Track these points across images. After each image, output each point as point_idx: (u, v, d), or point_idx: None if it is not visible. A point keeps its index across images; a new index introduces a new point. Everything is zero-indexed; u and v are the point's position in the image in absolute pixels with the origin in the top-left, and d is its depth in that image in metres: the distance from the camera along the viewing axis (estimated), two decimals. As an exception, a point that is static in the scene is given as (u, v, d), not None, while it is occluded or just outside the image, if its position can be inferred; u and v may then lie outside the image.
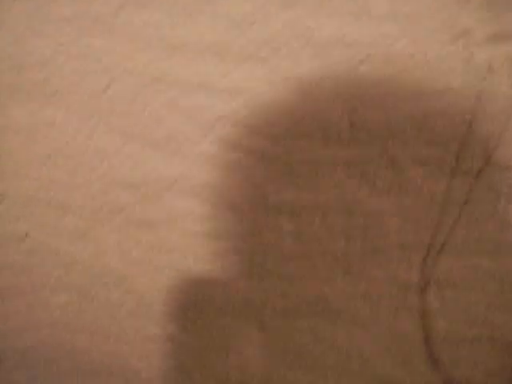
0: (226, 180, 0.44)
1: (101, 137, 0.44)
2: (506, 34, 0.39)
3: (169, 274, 0.48)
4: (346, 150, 0.42)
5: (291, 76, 0.42)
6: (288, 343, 0.49)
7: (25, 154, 0.45)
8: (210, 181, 0.43)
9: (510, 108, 0.40)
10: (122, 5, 0.44)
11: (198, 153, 0.45)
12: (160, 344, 0.50)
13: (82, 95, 0.44)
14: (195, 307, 0.49)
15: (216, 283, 0.47)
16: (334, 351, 0.49)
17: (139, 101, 0.43)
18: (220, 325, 0.49)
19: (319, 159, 0.43)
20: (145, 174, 0.43)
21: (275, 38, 0.43)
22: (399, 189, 0.43)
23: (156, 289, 0.48)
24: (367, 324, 0.48)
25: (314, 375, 0.50)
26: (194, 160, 0.44)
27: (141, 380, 0.53)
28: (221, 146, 0.44)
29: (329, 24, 0.42)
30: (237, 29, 0.43)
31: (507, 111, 0.40)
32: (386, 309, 0.47)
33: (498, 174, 0.42)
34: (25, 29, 0.46)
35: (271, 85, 0.43)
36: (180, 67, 0.43)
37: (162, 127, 0.43)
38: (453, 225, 0.44)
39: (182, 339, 0.50)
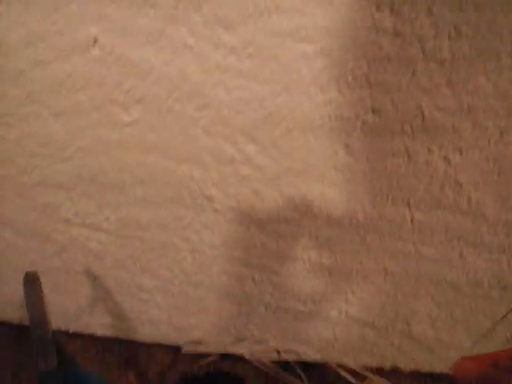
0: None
1: None
2: None
3: (249, 83, 0.60)
4: None
5: None
6: (377, 166, 0.60)
7: None
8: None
9: None
10: None
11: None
12: (236, 167, 0.64)
13: None
14: (278, 123, 0.61)
15: (303, 93, 0.59)
16: (427, 177, 0.60)
17: None
18: (302, 145, 0.61)
19: None
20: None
21: None
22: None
23: (234, 101, 0.61)
24: (466, 147, 0.58)
25: (400, 204, 0.62)
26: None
27: (213, 210, 0.68)
28: None
29: None
30: None
31: None
32: (489, 129, 0.57)
33: None
34: None
35: None
36: None
37: None
38: None
39: (259, 162, 0.63)
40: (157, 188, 0.71)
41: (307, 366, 0.86)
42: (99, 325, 0.92)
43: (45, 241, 0.82)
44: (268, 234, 0.71)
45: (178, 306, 0.85)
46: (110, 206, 0.75)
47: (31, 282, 0.58)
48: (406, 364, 0.84)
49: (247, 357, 0.88)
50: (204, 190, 0.69)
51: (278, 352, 0.86)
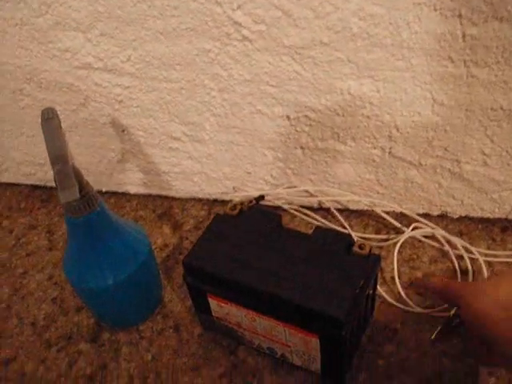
0: None
1: None
2: None
3: None
4: None
5: None
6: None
7: None
8: None
9: None
10: None
11: None
12: None
13: None
14: None
15: None
16: None
17: None
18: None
19: None
20: None
21: None
22: None
23: None
24: None
25: (450, 17, 0.56)
26: None
27: (241, 38, 0.64)
28: None
29: None
30: None
31: None
32: None
33: None
34: None
35: None
36: None
37: None
38: None
39: None
40: (179, 18, 0.67)
41: (349, 214, 0.84)
42: (132, 182, 0.92)
43: (68, 92, 0.80)
44: (302, 61, 0.67)
45: (210, 154, 0.83)
46: (130, 45, 0.72)
47: (49, 117, 0.56)
48: (455, 209, 0.81)
49: (285, 206, 0.86)
50: (230, 14, 0.65)
51: (316, 197, 0.83)
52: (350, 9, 0.61)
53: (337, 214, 0.83)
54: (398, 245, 0.76)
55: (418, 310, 0.69)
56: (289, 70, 0.68)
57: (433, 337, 0.61)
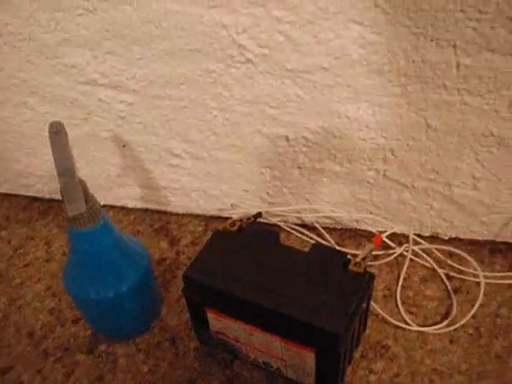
0: None
1: None
2: None
3: None
4: None
5: None
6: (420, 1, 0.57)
7: None
8: None
9: None
10: None
11: None
12: (268, 9, 0.61)
13: None
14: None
15: None
16: (476, 13, 0.56)
17: None
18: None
19: None
20: None
21: None
22: None
23: None
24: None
25: (446, 46, 0.59)
26: None
27: (244, 61, 0.66)
28: None
29: None
30: None
31: None
32: None
33: None
34: None
35: None
36: None
37: None
38: None
39: (293, 1, 0.60)
40: (184, 39, 0.69)
41: (343, 233, 0.87)
42: (130, 196, 0.94)
43: (72, 106, 0.82)
44: (303, 84, 0.69)
45: (209, 172, 0.85)
46: (136, 63, 0.74)
47: (56, 131, 0.58)
48: (446, 230, 0.83)
49: (281, 224, 0.88)
50: (235, 37, 0.67)
51: (311, 216, 0.85)
52: (351, 36, 0.64)
53: (331, 232, 0.85)
54: (390, 263, 0.78)
55: (411, 327, 0.71)
56: (289, 92, 0.71)
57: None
